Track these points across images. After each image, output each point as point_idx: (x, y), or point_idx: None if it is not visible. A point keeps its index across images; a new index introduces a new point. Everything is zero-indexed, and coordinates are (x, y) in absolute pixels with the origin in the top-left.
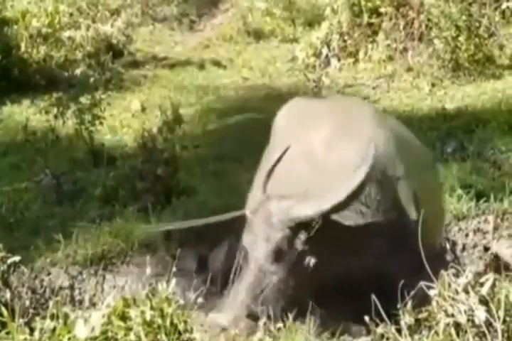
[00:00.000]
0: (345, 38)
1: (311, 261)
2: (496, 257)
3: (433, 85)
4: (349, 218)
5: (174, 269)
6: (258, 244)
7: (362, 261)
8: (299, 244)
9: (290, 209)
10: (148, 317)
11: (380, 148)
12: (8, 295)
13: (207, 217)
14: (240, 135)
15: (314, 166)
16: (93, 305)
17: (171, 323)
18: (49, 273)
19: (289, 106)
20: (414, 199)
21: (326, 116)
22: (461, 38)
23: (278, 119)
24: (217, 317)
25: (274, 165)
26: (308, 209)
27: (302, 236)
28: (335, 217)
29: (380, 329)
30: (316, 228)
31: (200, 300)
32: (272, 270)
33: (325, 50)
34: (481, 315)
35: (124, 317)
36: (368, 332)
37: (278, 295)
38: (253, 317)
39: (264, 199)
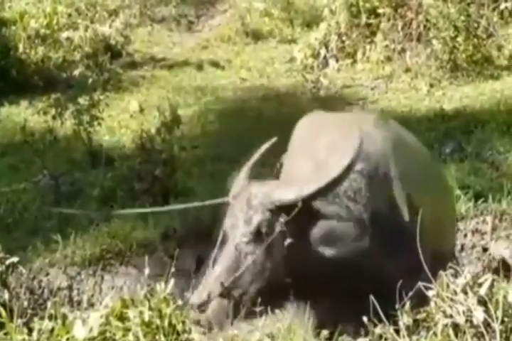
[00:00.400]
0: (344, 38)
1: (286, 241)
2: (502, 259)
3: (431, 86)
4: (335, 213)
5: (173, 270)
6: (238, 225)
7: (353, 258)
8: (279, 227)
9: (271, 192)
10: (146, 318)
11: (376, 145)
12: (6, 295)
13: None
14: (238, 135)
15: (312, 163)
16: (91, 305)
17: (170, 324)
18: (47, 274)
19: (306, 118)
20: (408, 200)
21: (334, 125)
22: (460, 39)
23: (295, 129)
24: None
25: (258, 157)
26: (290, 193)
27: (282, 219)
28: (319, 209)
29: (378, 330)
30: (295, 212)
31: None
32: (249, 250)
33: (323, 51)
34: (479, 315)
35: (122, 318)
36: (366, 333)
37: (254, 277)
38: (225, 295)
39: (246, 184)
